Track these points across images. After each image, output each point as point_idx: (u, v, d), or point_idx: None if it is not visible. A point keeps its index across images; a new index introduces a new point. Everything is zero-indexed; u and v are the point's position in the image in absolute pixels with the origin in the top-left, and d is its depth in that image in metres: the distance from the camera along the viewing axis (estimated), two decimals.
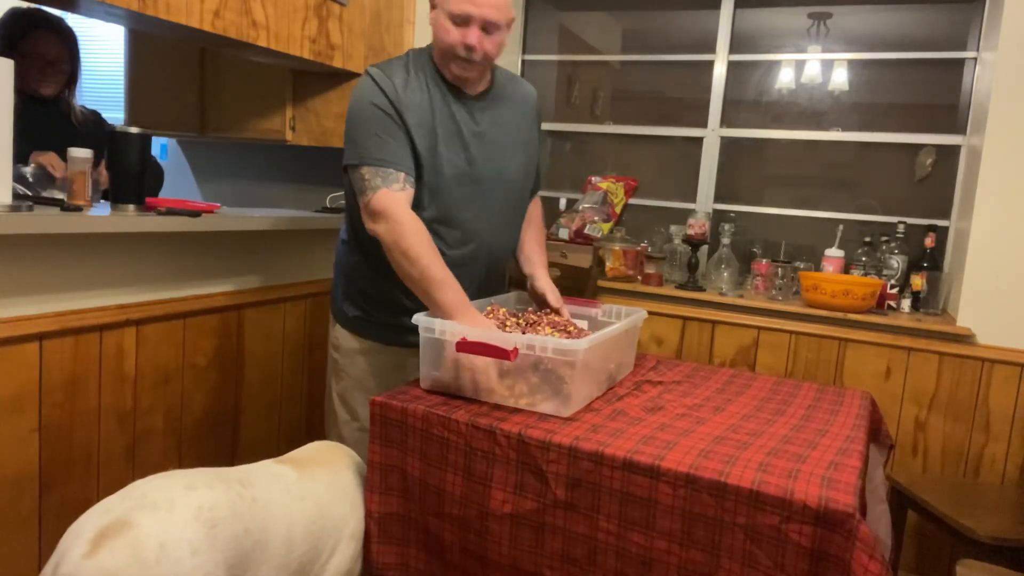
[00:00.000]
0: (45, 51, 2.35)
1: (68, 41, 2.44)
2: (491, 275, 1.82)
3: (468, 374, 1.48)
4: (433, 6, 1.65)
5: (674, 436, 1.38)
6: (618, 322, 1.73)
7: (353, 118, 1.64)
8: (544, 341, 1.42)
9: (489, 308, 1.66)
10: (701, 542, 1.21)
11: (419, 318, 1.52)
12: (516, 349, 1.39)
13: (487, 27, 1.59)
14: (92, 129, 2.50)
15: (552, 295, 1.79)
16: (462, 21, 1.58)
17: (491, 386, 1.47)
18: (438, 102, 1.66)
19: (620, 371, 1.75)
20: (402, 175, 1.58)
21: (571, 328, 1.64)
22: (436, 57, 1.67)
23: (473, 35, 1.58)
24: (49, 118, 2.38)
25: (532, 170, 1.87)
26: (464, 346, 1.42)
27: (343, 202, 1.85)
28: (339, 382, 1.82)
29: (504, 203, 1.77)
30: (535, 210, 1.95)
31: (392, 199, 1.56)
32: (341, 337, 1.81)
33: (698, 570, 1.21)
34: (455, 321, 1.49)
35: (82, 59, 2.52)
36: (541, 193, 2.01)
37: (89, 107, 2.59)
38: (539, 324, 1.63)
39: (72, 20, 4.15)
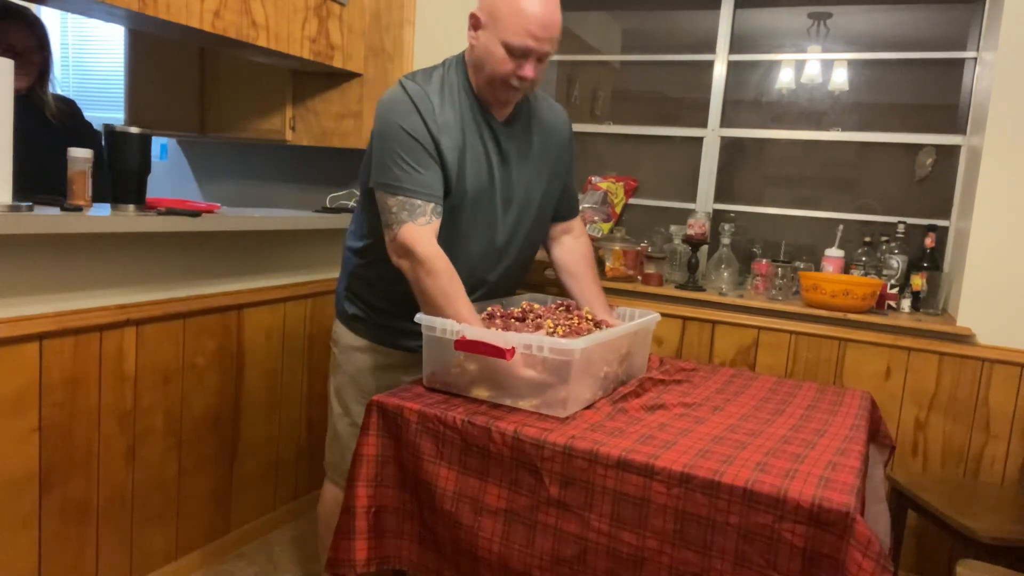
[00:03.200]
0: (14, 42, 2.26)
1: (37, 32, 2.34)
2: (505, 291, 1.82)
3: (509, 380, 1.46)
4: (478, 25, 1.58)
5: (672, 436, 1.38)
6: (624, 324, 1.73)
7: (384, 137, 1.58)
8: (541, 341, 1.42)
9: (489, 309, 1.66)
10: (693, 542, 1.21)
11: (421, 317, 1.52)
12: (513, 349, 1.40)
13: (541, 57, 1.57)
14: (69, 123, 2.44)
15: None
16: (521, 54, 1.54)
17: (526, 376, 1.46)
18: (468, 122, 1.63)
19: (630, 373, 1.75)
20: (430, 206, 1.55)
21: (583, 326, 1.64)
22: (478, 79, 1.62)
23: (530, 69, 1.55)
24: (23, 114, 2.31)
25: (555, 195, 1.84)
26: (463, 344, 1.43)
27: (343, 202, 1.86)
28: (336, 376, 1.85)
29: (519, 225, 1.75)
30: (582, 245, 1.92)
31: (416, 235, 1.53)
32: (340, 333, 1.84)
33: (690, 570, 1.21)
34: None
35: (52, 51, 2.43)
36: None
37: (65, 97, 2.52)
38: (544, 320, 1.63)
39: (72, 19, 4.16)
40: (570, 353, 1.40)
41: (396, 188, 1.55)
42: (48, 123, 2.39)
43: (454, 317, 1.50)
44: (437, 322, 1.50)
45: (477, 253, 1.70)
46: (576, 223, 1.95)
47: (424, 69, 1.68)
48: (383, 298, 1.76)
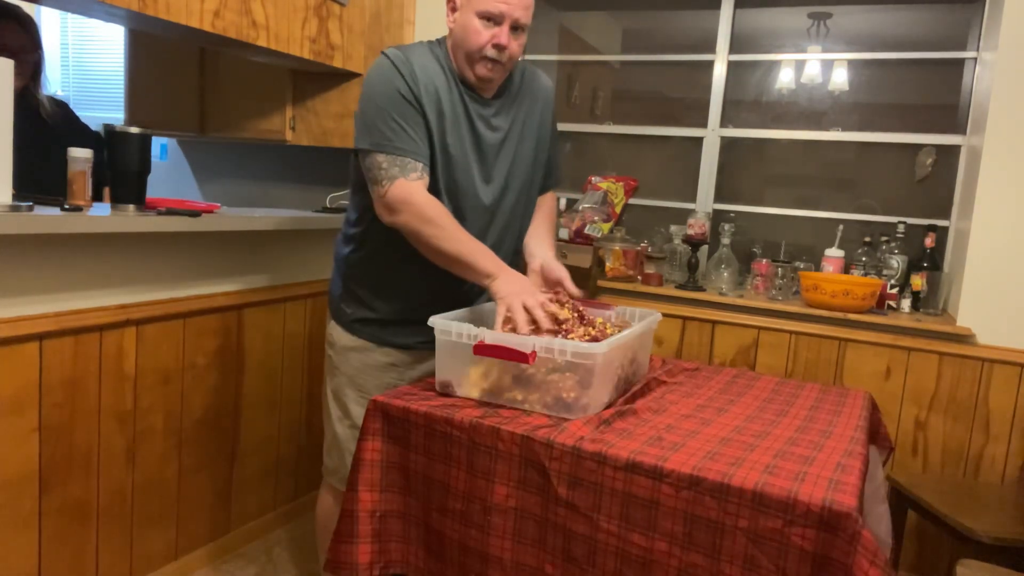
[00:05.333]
0: (7, 41, 2.24)
1: (30, 31, 2.33)
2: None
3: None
4: (455, 7, 1.64)
5: (680, 437, 1.37)
6: (634, 324, 1.71)
7: (371, 101, 1.61)
8: (563, 344, 1.40)
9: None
10: (702, 545, 1.20)
11: (435, 320, 1.50)
12: (535, 352, 1.38)
13: (515, 27, 1.61)
14: (62, 123, 2.43)
15: (569, 281, 1.70)
16: (493, 20, 1.58)
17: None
18: (456, 99, 1.66)
19: (636, 374, 1.74)
20: (420, 165, 1.59)
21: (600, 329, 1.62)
22: (458, 59, 1.66)
23: (504, 34, 1.59)
24: (17, 114, 2.29)
25: (541, 161, 1.85)
26: (482, 349, 1.41)
27: (343, 202, 1.85)
28: (333, 379, 1.83)
29: (512, 200, 1.77)
30: (549, 202, 1.93)
31: (411, 188, 1.56)
32: (336, 334, 1.82)
33: (698, 573, 1.21)
34: (500, 281, 1.52)
35: (44, 50, 2.41)
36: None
37: (56, 98, 2.50)
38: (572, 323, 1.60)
39: (72, 19, 4.16)
40: (593, 357, 1.38)
41: (386, 146, 1.57)
42: (43, 122, 2.37)
43: (473, 249, 1.54)
44: (453, 326, 1.47)
45: (472, 228, 1.69)
46: (547, 193, 1.94)
47: (409, 44, 1.71)
48: (383, 286, 1.74)
